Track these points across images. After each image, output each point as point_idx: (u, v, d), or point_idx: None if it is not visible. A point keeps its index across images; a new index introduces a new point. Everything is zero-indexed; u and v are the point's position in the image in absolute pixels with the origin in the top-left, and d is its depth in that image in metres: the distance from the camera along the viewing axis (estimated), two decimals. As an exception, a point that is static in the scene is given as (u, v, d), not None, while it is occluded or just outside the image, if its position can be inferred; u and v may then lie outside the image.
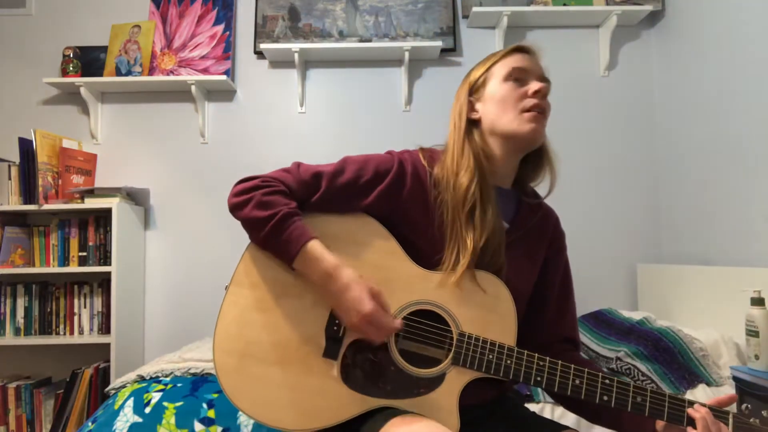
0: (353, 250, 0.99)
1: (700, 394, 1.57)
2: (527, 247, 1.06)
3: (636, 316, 2.01)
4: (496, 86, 1.03)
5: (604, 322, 2.05)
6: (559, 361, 0.91)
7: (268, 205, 0.94)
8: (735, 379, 1.37)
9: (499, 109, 1.02)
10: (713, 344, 1.71)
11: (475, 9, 2.42)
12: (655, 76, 2.50)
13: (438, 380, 0.92)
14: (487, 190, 1.00)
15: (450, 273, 0.96)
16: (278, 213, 0.93)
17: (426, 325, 0.96)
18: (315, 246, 0.93)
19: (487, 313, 0.96)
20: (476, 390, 0.97)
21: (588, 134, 2.50)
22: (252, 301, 0.97)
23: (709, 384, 1.62)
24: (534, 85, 1.01)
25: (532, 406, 1.51)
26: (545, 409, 1.53)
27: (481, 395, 1.00)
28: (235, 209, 0.98)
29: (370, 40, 2.50)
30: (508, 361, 0.92)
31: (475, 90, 1.06)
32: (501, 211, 1.02)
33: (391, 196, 1.00)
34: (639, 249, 2.46)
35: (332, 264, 0.92)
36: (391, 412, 0.88)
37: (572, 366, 0.91)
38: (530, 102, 1.00)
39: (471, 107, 1.06)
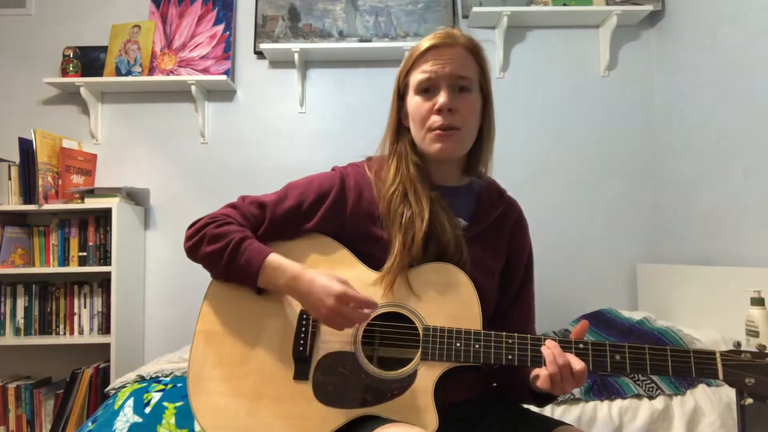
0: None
1: (700, 394, 1.56)
2: (489, 241, 1.04)
3: (636, 316, 2.01)
4: (411, 99, 1.01)
5: (604, 322, 2.05)
6: (528, 335, 0.89)
7: (220, 237, 0.95)
8: (735, 379, 1.37)
9: (413, 124, 1.01)
10: (713, 344, 1.71)
11: (475, 9, 2.42)
12: (655, 76, 2.50)
13: (410, 379, 0.91)
14: (416, 195, 0.98)
15: (395, 273, 0.95)
16: (232, 240, 0.94)
17: (392, 328, 0.95)
18: (274, 258, 0.94)
19: (449, 303, 0.95)
20: (462, 385, 0.96)
21: (588, 134, 2.50)
22: (219, 342, 0.97)
23: (709, 384, 1.61)
24: (440, 99, 0.96)
25: (533, 407, 1.51)
26: (545, 409, 1.53)
27: (468, 390, 1.00)
28: (191, 252, 0.99)
29: (370, 40, 2.50)
30: (476, 346, 0.90)
31: (402, 95, 1.05)
32: (454, 210, 1.01)
33: (336, 213, 1.01)
34: (639, 249, 2.46)
35: (296, 267, 0.93)
36: (379, 421, 0.87)
37: (543, 336, 0.89)
38: (435, 121, 0.97)
39: (402, 113, 1.04)
